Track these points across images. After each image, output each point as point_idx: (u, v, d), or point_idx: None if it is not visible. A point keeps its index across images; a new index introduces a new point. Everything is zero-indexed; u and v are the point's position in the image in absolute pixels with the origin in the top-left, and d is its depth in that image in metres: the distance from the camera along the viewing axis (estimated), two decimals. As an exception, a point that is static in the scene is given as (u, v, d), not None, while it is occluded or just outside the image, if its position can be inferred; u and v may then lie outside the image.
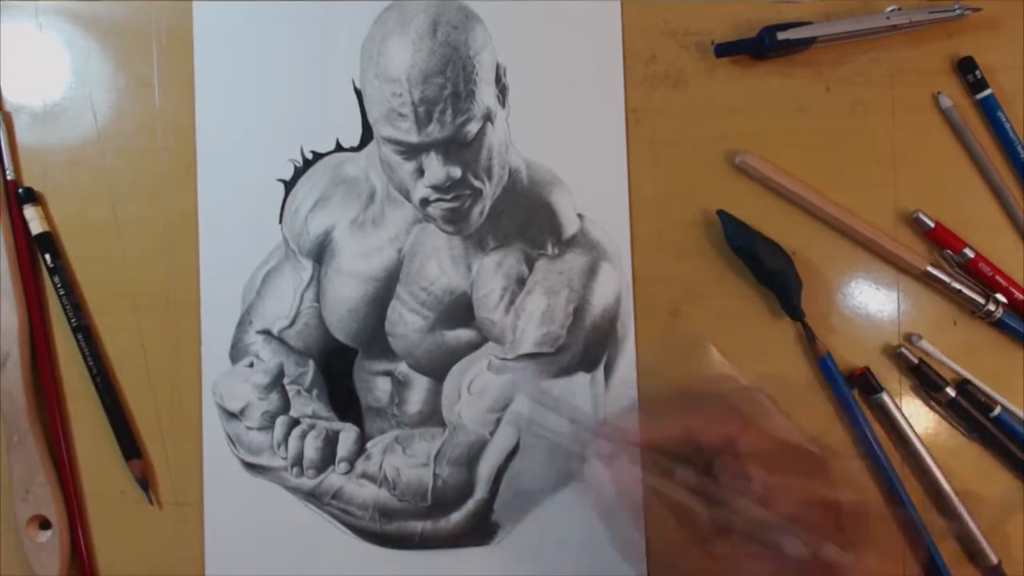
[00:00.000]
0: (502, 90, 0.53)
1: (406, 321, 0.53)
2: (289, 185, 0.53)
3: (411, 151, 0.52)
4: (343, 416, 0.53)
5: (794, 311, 0.51)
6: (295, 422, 0.53)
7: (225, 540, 0.52)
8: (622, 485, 0.46)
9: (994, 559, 0.51)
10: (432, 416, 0.53)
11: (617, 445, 0.46)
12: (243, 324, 0.53)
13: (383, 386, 0.53)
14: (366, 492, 0.52)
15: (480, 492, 0.52)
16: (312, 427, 0.52)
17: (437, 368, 0.53)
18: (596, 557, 0.52)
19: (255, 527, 0.52)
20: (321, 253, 0.53)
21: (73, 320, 0.52)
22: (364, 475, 0.52)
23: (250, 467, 0.53)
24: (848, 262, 0.53)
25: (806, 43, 0.51)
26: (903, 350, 0.52)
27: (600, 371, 0.52)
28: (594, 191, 0.53)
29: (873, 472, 0.52)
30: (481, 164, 0.52)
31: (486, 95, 0.52)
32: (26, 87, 0.54)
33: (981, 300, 0.52)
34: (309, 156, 0.53)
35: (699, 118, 0.53)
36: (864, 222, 0.52)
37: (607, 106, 0.53)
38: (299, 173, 0.53)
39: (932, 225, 0.52)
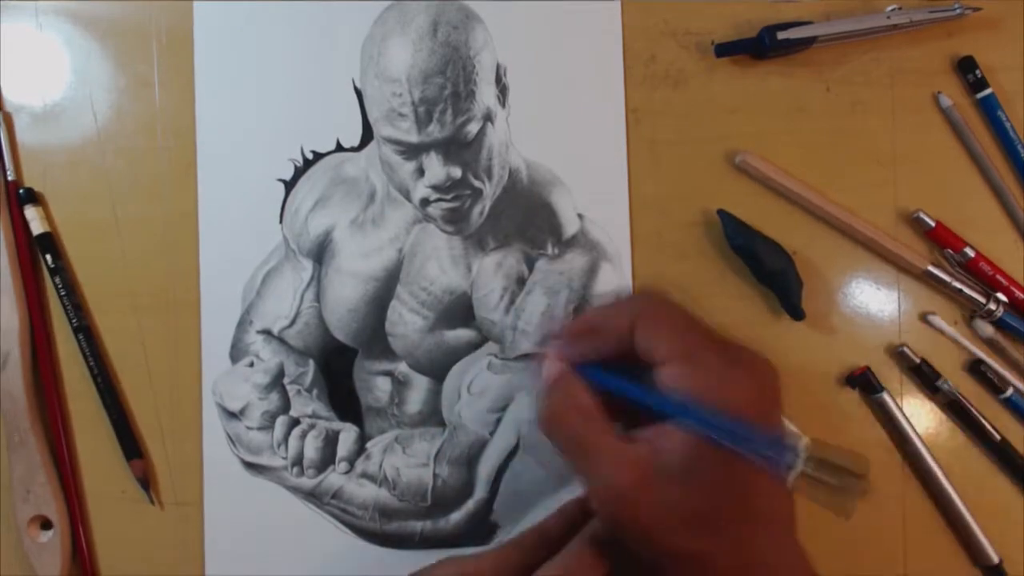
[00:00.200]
0: (502, 90, 0.53)
1: (406, 321, 0.53)
2: (289, 185, 0.53)
3: (411, 151, 0.52)
4: (343, 416, 0.53)
5: (795, 311, 0.51)
6: (295, 422, 0.53)
7: (225, 540, 0.52)
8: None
9: (994, 559, 0.51)
10: (432, 416, 0.53)
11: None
12: (243, 324, 0.53)
13: (383, 386, 0.53)
14: (366, 492, 0.52)
15: (480, 492, 0.52)
16: (312, 427, 0.52)
17: (437, 368, 0.53)
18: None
19: (255, 527, 0.52)
20: (321, 253, 0.53)
21: (74, 320, 0.52)
22: (364, 475, 0.52)
23: (250, 467, 0.53)
24: (848, 262, 0.53)
25: (806, 43, 0.51)
26: (904, 349, 0.52)
27: (600, 371, 0.52)
28: (594, 191, 0.53)
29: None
30: (481, 164, 0.52)
31: (486, 95, 0.52)
32: (26, 87, 0.54)
33: (982, 299, 0.51)
34: (309, 156, 0.53)
35: (699, 118, 0.53)
36: (864, 222, 0.52)
37: (607, 106, 0.53)
38: (299, 173, 0.53)
39: (932, 225, 0.52)
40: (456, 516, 0.52)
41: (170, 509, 0.53)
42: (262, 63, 0.53)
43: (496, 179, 0.53)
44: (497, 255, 0.53)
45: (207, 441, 0.53)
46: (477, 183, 0.52)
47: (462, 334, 0.53)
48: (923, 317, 0.53)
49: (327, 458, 0.52)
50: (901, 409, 0.52)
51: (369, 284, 0.53)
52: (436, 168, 0.52)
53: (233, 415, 0.53)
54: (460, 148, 0.52)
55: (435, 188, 0.52)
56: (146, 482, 0.52)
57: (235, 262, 0.53)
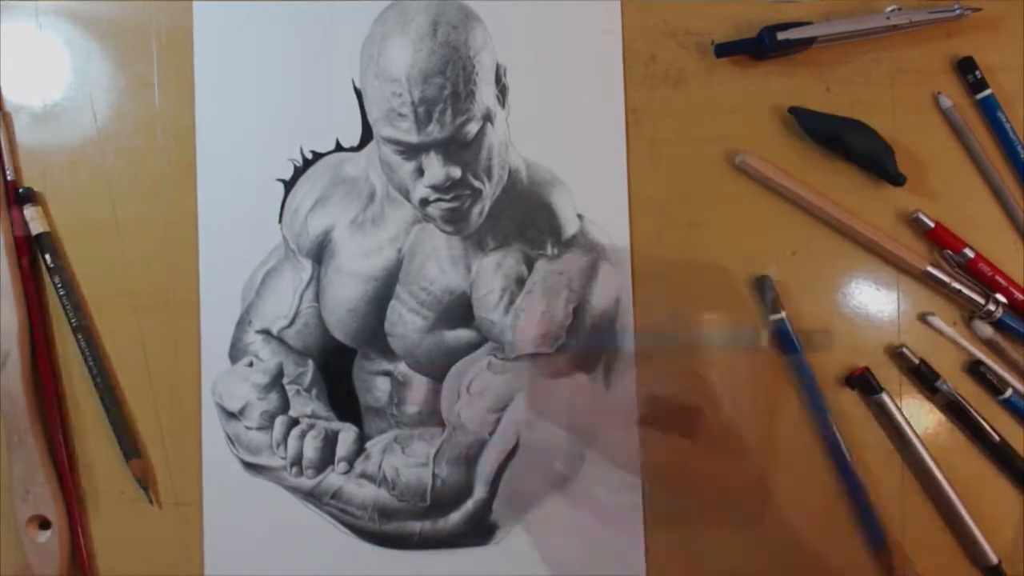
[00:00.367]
0: (502, 90, 0.53)
1: (405, 321, 0.53)
2: (289, 185, 0.53)
3: (411, 151, 0.52)
4: (342, 416, 0.53)
5: (895, 178, 0.51)
6: (294, 422, 0.53)
7: (225, 540, 0.52)
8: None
9: (994, 559, 0.51)
10: (431, 416, 0.53)
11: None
12: (242, 324, 0.53)
13: (382, 386, 0.53)
14: (365, 492, 0.52)
15: (479, 492, 0.52)
16: (311, 427, 0.52)
17: (436, 368, 0.53)
18: (595, 557, 0.52)
19: (254, 527, 0.52)
20: (321, 253, 0.53)
21: (73, 320, 0.52)
22: (363, 475, 0.52)
23: (249, 467, 0.53)
24: (848, 262, 0.53)
25: (806, 43, 0.51)
26: (903, 350, 0.52)
27: (599, 372, 0.52)
28: (594, 191, 0.53)
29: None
30: (481, 164, 0.52)
31: (486, 95, 0.52)
32: (26, 87, 0.54)
33: (981, 300, 0.51)
34: (309, 156, 0.53)
35: (699, 118, 0.53)
36: (864, 222, 0.52)
37: (607, 106, 0.53)
38: (299, 173, 0.53)
39: (932, 225, 0.52)
40: (455, 516, 0.52)
41: (170, 509, 0.53)
42: (262, 63, 0.53)
43: (496, 179, 0.53)
44: (497, 255, 0.53)
45: (206, 441, 0.53)
46: (477, 183, 0.52)
47: (462, 334, 0.53)
48: (922, 318, 0.53)
49: (326, 458, 0.52)
50: (900, 410, 0.52)
51: (369, 284, 0.53)
52: (436, 168, 0.52)
53: (232, 415, 0.53)
54: (460, 148, 0.52)
55: (435, 188, 0.52)
56: (145, 482, 0.52)
57: (235, 262, 0.53)
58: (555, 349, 0.52)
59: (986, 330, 0.52)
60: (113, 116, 0.54)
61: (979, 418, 0.52)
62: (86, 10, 0.54)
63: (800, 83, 0.53)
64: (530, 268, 0.53)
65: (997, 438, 0.52)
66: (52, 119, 0.54)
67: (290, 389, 0.53)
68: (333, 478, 0.52)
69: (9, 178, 0.53)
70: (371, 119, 0.53)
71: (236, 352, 0.53)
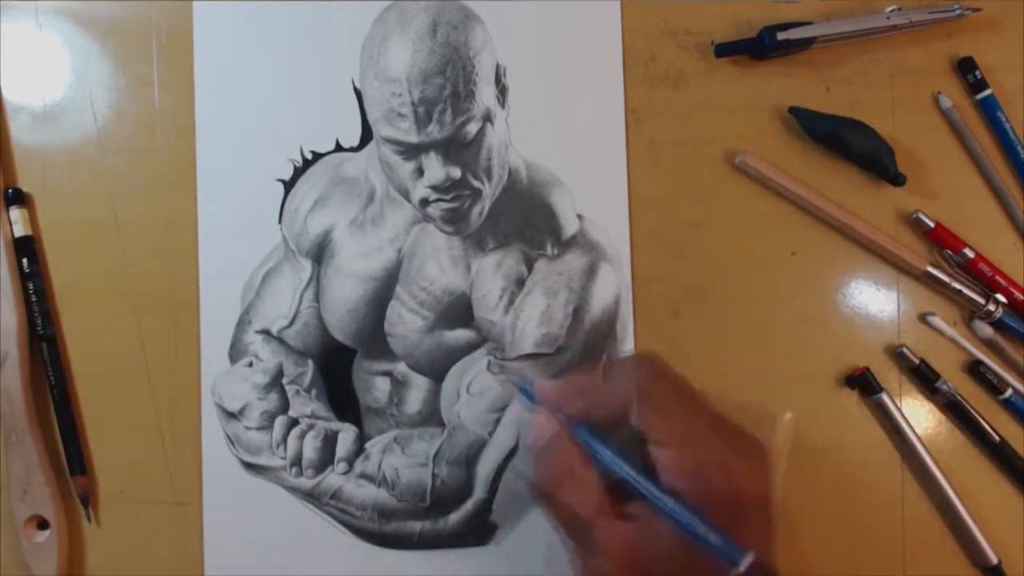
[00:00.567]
0: (502, 90, 0.53)
1: (405, 321, 0.53)
2: (289, 185, 0.53)
3: (411, 151, 0.52)
4: (342, 416, 0.53)
5: (895, 179, 0.51)
6: (294, 422, 0.52)
7: (224, 540, 0.52)
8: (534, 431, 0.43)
9: (994, 559, 0.51)
10: (431, 416, 0.53)
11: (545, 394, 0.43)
12: (242, 324, 0.53)
13: (382, 386, 0.53)
14: (365, 492, 0.52)
15: (479, 492, 0.52)
16: (311, 427, 0.52)
17: (436, 368, 0.53)
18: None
19: (254, 527, 0.52)
20: (320, 253, 0.53)
21: (40, 328, 0.52)
22: (363, 475, 0.52)
23: (249, 467, 0.53)
24: (848, 262, 0.53)
25: (806, 43, 0.51)
26: (903, 350, 0.52)
27: (599, 371, 0.52)
28: (594, 191, 0.53)
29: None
30: (481, 164, 0.52)
31: (486, 95, 0.52)
32: (26, 87, 0.54)
33: (981, 300, 0.51)
34: (309, 156, 0.53)
35: (699, 118, 0.53)
36: (864, 222, 0.52)
37: (607, 106, 0.53)
38: (299, 173, 0.53)
39: (932, 225, 0.52)
40: (455, 516, 0.52)
41: (169, 509, 0.53)
42: (262, 63, 0.53)
43: (495, 179, 0.53)
44: (496, 255, 0.53)
45: (206, 441, 0.53)
46: (476, 183, 0.52)
47: (461, 334, 0.53)
48: (922, 318, 0.53)
49: (326, 458, 0.52)
50: (900, 410, 0.52)
51: (368, 284, 0.53)
52: (435, 168, 0.52)
53: (232, 415, 0.53)
54: (459, 148, 0.52)
55: (434, 188, 0.52)
56: (87, 499, 0.52)
57: (234, 262, 0.53)
58: (554, 350, 0.52)
59: (986, 330, 0.52)
60: (113, 116, 0.54)
61: (979, 418, 0.52)
62: (86, 10, 0.54)
63: (800, 83, 0.53)
64: (530, 268, 0.53)
65: (997, 438, 0.52)
66: (52, 119, 0.54)
67: (290, 389, 0.53)
68: (333, 478, 0.52)
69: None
70: (371, 119, 0.53)
71: (236, 352, 0.53)
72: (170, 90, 0.54)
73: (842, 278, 0.53)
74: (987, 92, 0.52)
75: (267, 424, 0.52)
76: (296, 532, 0.52)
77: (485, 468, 0.52)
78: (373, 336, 0.53)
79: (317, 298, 0.53)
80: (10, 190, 0.53)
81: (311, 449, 0.52)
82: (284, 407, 0.53)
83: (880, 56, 0.53)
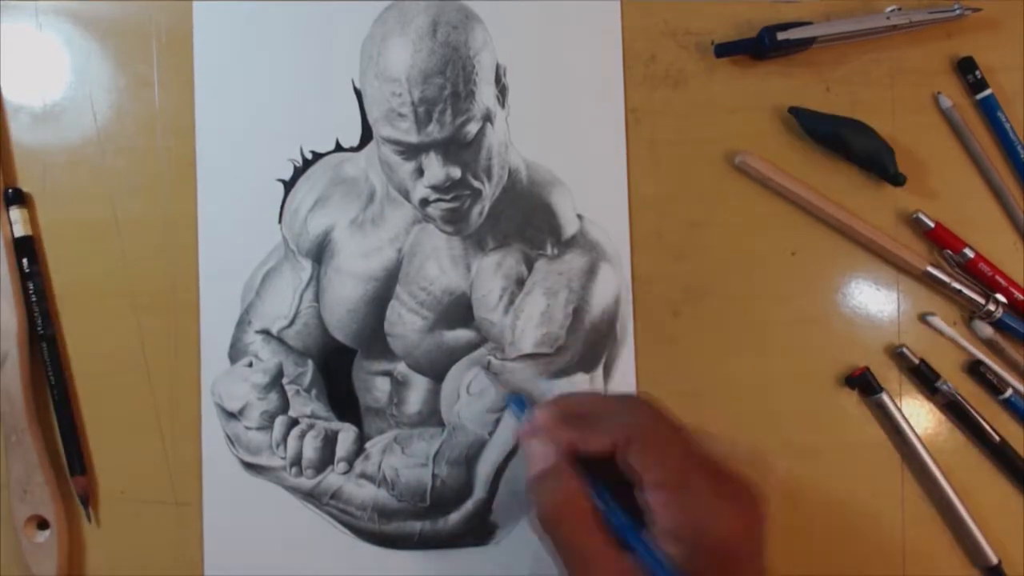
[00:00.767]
0: (502, 90, 0.53)
1: (405, 321, 0.53)
2: (289, 185, 0.53)
3: (411, 151, 0.52)
4: (342, 416, 0.53)
5: (895, 179, 0.51)
6: (294, 422, 0.52)
7: (224, 540, 0.52)
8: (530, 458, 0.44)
9: (994, 559, 0.51)
10: (431, 416, 0.53)
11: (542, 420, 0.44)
12: (242, 324, 0.53)
13: (382, 386, 0.53)
14: (365, 492, 0.52)
15: (479, 492, 0.52)
16: (311, 427, 0.52)
17: (436, 368, 0.53)
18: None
19: (254, 527, 0.52)
20: (320, 253, 0.53)
21: (40, 328, 0.52)
22: (363, 475, 0.52)
23: (249, 467, 0.53)
24: (848, 262, 0.53)
25: (806, 43, 0.51)
26: (903, 350, 0.52)
27: (599, 372, 0.52)
28: (594, 191, 0.53)
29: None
30: (481, 164, 0.52)
31: (486, 95, 0.52)
32: (26, 87, 0.54)
33: (981, 300, 0.51)
34: (309, 156, 0.53)
35: (699, 118, 0.53)
36: (864, 222, 0.52)
37: (607, 106, 0.53)
38: (299, 173, 0.53)
39: (932, 225, 0.52)
40: (455, 516, 0.52)
41: (169, 509, 0.53)
42: (262, 63, 0.53)
43: (495, 179, 0.53)
44: (496, 255, 0.53)
45: (206, 441, 0.53)
46: (476, 183, 0.52)
47: (461, 334, 0.53)
48: (922, 318, 0.53)
49: (326, 458, 0.52)
50: (900, 410, 0.52)
51: (368, 284, 0.53)
52: (435, 168, 0.52)
53: (232, 415, 0.53)
54: (459, 148, 0.52)
55: (434, 188, 0.52)
56: (87, 499, 0.52)
57: (234, 262, 0.53)
58: (554, 350, 0.52)
59: (986, 330, 0.52)
60: (113, 116, 0.54)
61: (979, 418, 0.52)
62: (86, 10, 0.54)
63: (800, 83, 0.53)
64: (530, 268, 0.53)
65: (997, 438, 0.52)
66: (52, 119, 0.54)
67: (290, 389, 0.53)
68: (333, 478, 0.52)
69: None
70: (371, 119, 0.53)
71: (236, 352, 0.53)
72: (170, 90, 0.54)
73: (842, 278, 0.53)
74: (987, 92, 0.52)
75: (267, 424, 0.52)
76: (296, 532, 0.52)
77: (485, 468, 0.52)
78: (373, 336, 0.53)
79: (317, 298, 0.53)
80: (10, 190, 0.53)
81: (311, 449, 0.52)
82: (284, 407, 0.53)
83: (880, 56, 0.53)
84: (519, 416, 0.48)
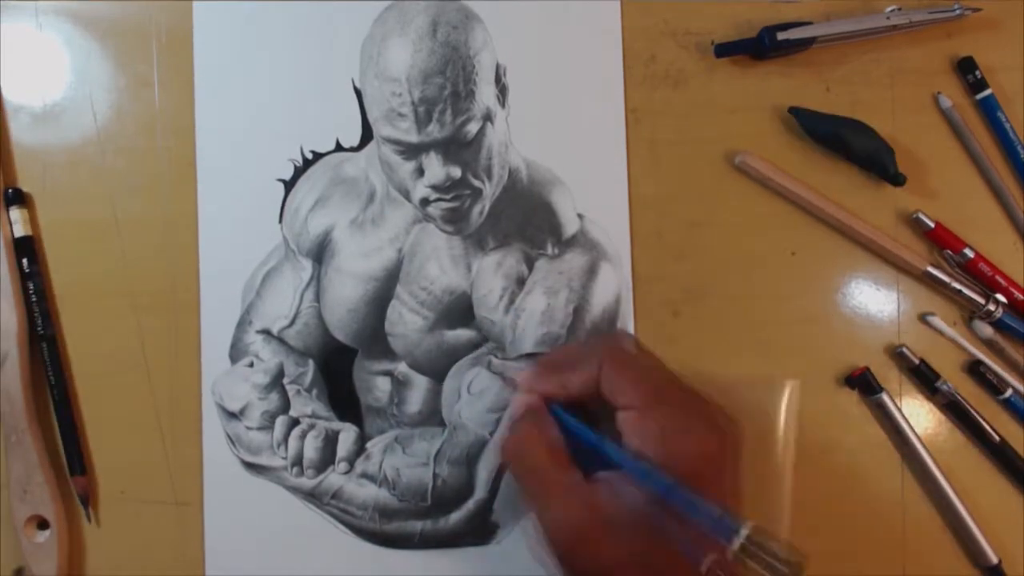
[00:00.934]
0: (502, 90, 0.53)
1: (406, 321, 0.53)
2: (289, 185, 0.53)
3: (411, 151, 0.52)
4: (343, 416, 0.53)
5: (895, 179, 0.51)
6: (295, 422, 0.52)
7: (225, 540, 0.52)
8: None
9: (994, 559, 0.51)
10: (432, 416, 0.53)
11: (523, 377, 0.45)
12: (243, 324, 0.53)
13: (383, 386, 0.53)
14: (366, 492, 0.52)
15: (480, 492, 0.52)
16: (312, 427, 0.52)
17: (437, 368, 0.53)
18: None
19: (255, 527, 0.52)
20: (321, 253, 0.53)
21: (40, 328, 0.52)
22: (364, 475, 0.52)
23: (250, 467, 0.53)
24: (848, 262, 0.53)
25: (806, 43, 0.51)
26: (903, 350, 0.52)
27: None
28: (594, 191, 0.53)
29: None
30: (481, 164, 0.52)
31: (486, 95, 0.52)
32: (26, 87, 0.54)
33: (981, 300, 0.52)
34: (309, 156, 0.53)
35: (699, 118, 0.53)
36: (864, 222, 0.52)
37: (607, 106, 0.53)
38: (299, 173, 0.53)
39: (932, 225, 0.52)
40: (456, 516, 0.52)
41: (169, 509, 0.53)
42: (262, 63, 0.53)
43: (496, 179, 0.53)
44: (497, 255, 0.53)
45: (207, 441, 0.53)
46: (477, 183, 0.52)
47: (462, 334, 0.53)
48: (922, 318, 0.53)
49: (327, 458, 0.52)
50: (900, 410, 0.52)
51: (369, 284, 0.53)
52: (436, 168, 0.52)
53: (233, 415, 0.52)
54: (460, 148, 0.52)
55: (435, 188, 0.52)
56: (87, 499, 0.52)
57: (235, 262, 0.53)
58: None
59: (986, 330, 0.52)
60: (113, 116, 0.54)
61: (979, 418, 0.52)
62: (86, 10, 0.54)
63: (800, 83, 0.53)
64: (530, 268, 0.53)
65: (997, 438, 0.52)
66: (52, 119, 0.54)
67: (290, 389, 0.53)
68: (334, 478, 0.52)
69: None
70: (371, 119, 0.53)
71: (236, 352, 0.53)
72: (170, 90, 0.54)
73: (842, 278, 0.53)
74: (987, 92, 0.52)
75: (268, 424, 0.52)
76: (297, 532, 0.52)
77: (486, 468, 0.52)
78: (374, 336, 0.53)
79: (318, 298, 0.53)
80: (10, 190, 0.53)
81: (312, 449, 0.52)
82: (285, 407, 0.53)
83: (880, 56, 0.53)
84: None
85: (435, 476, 0.52)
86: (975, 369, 0.52)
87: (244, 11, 0.53)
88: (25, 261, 0.52)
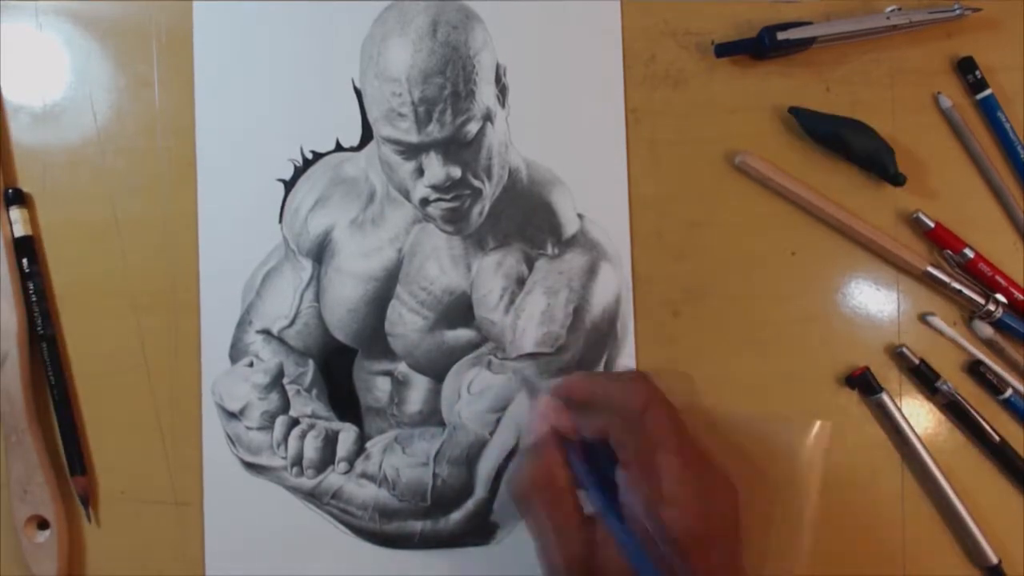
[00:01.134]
0: (502, 90, 0.53)
1: (406, 321, 0.53)
2: (289, 185, 0.53)
3: (411, 151, 0.52)
4: (343, 416, 0.53)
5: (895, 179, 0.51)
6: (295, 422, 0.52)
7: (225, 540, 0.52)
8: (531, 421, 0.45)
9: (994, 559, 0.51)
10: (432, 416, 0.53)
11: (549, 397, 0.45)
12: (243, 324, 0.53)
13: (383, 386, 0.53)
14: (366, 492, 0.52)
15: (480, 492, 0.52)
16: (312, 427, 0.52)
17: (437, 368, 0.53)
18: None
19: (255, 527, 0.52)
20: (321, 253, 0.53)
21: (40, 328, 0.52)
22: (364, 475, 0.52)
23: (250, 467, 0.53)
24: (848, 262, 0.53)
25: (806, 43, 0.51)
26: (903, 350, 0.52)
27: (599, 371, 0.52)
28: (594, 191, 0.53)
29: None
30: (481, 164, 0.52)
31: (486, 95, 0.52)
32: (26, 87, 0.54)
33: (981, 300, 0.51)
34: (309, 156, 0.53)
35: (699, 118, 0.53)
36: (864, 222, 0.52)
37: (607, 106, 0.53)
38: (299, 173, 0.53)
39: (932, 225, 0.52)
40: (456, 516, 0.52)
41: (169, 509, 0.53)
42: (262, 63, 0.53)
43: (496, 179, 0.53)
44: (497, 255, 0.53)
45: (207, 441, 0.53)
46: (477, 183, 0.52)
47: (462, 334, 0.53)
48: (922, 318, 0.53)
49: (327, 458, 0.52)
50: (900, 410, 0.52)
51: (369, 284, 0.53)
52: (436, 168, 0.52)
53: (233, 415, 0.52)
54: (460, 148, 0.52)
55: (435, 188, 0.52)
56: (87, 499, 0.52)
57: (235, 262, 0.53)
58: (555, 349, 0.52)
59: (986, 330, 0.52)
60: (113, 116, 0.54)
61: (979, 418, 0.52)
62: (86, 10, 0.54)
63: (800, 83, 0.53)
64: (530, 268, 0.53)
65: (997, 438, 0.52)
66: (52, 119, 0.54)
67: (290, 389, 0.53)
68: (334, 478, 0.52)
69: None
70: (371, 119, 0.53)
71: (236, 352, 0.53)
72: (170, 90, 0.54)
73: (842, 278, 0.53)
74: (987, 92, 0.52)
75: (268, 424, 0.52)
76: (297, 532, 0.52)
77: (486, 468, 0.52)
78: (374, 336, 0.53)
79: (318, 298, 0.53)
80: (10, 190, 0.53)
81: (312, 449, 0.52)
82: (285, 407, 0.53)
83: (880, 56, 0.53)
84: (531, 400, 0.48)
85: (435, 476, 0.52)
86: (975, 369, 0.52)
87: (244, 11, 0.54)
88: (25, 261, 0.52)
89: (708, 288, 0.53)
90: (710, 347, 0.53)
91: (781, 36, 0.51)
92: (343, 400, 0.53)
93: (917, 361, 0.52)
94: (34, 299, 0.52)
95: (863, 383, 0.52)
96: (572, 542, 0.40)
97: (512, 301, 0.52)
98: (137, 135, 0.53)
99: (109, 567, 0.53)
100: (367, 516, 0.52)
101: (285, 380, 0.53)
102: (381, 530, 0.52)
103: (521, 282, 0.52)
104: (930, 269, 0.52)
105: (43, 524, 0.52)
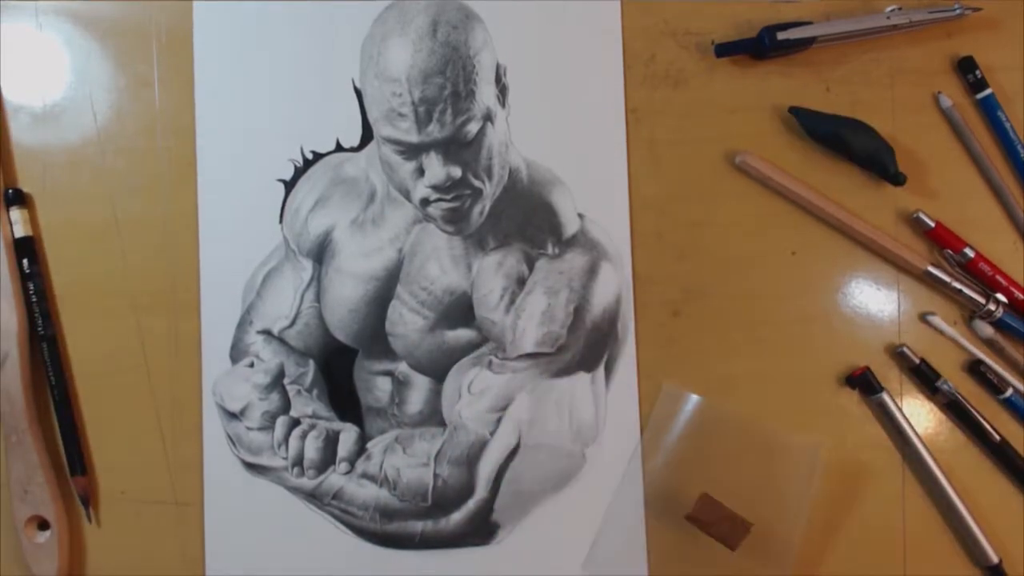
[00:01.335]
0: (502, 90, 0.53)
1: (406, 321, 0.53)
2: (289, 185, 0.53)
3: (411, 151, 0.52)
4: (343, 416, 0.53)
5: (895, 178, 0.51)
6: (295, 422, 0.52)
7: (225, 540, 0.52)
8: None
9: (994, 559, 0.51)
10: (432, 416, 0.53)
11: None
12: (243, 324, 0.53)
13: (383, 386, 0.53)
14: (366, 492, 0.52)
15: (480, 492, 0.52)
16: (312, 427, 0.52)
17: (437, 368, 0.53)
18: (596, 557, 0.52)
19: (255, 527, 0.52)
20: (321, 253, 0.53)
21: (40, 328, 0.52)
22: (364, 475, 0.52)
23: (250, 467, 0.53)
24: (848, 262, 0.53)
25: (806, 43, 0.51)
26: (904, 350, 0.52)
27: (600, 371, 0.52)
28: (594, 191, 0.53)
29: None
30: (481, 164, 0.52)
31: (486, 95, 0.52)
32: (26, 87, 0.54)
33: (981, 300, 0.52)
34: (309, 156, 0.53)
35: (699, 118, 0.53)
36: (864, 222, 0.52)
37: (607, 106, 0.53)
38: (299, 173, 0.53)
39: (932, 225, 0.52)
40: (457, 516, 0.52)
41: (169, 509, 0.53)
42: (262, 63, 0.53)
43: (496, 179, 0.53)
44: (497, 255, 0.53)
45: (207, 441, 0.53)
46: (477, 183, 0.52)
47: (462, 334, 0.53)
48: (923, 317, 0.53)
49: (327, 458, 0.52)
50: (901, 409, 0.52)
51: (369, 284, 0.53)
52: (436, 168, 0.52)
53: (233, 415, 0.52)
54: (460, 148, 0.52)
55: (435, 188, 0.52)
56: (87, 499, 0.52)
57: (235, 262, 0.53)
58: (555, 349, 0.52)
59: (986, 330, 0.52)
60: (113, 116, 0.54)
61: (979, 418, 0.52)
62: (86, 10, 0.54)
63: (800, 83, 0.53)
64: (531, 267, 0.53)
65: (997, 438, 0.52)
66: (52, 119, 0.54)
67: (291, 389, 0.53)
68: (334, 478, 0.52)
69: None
70: (371, 119, 0.53)
71: (237, 352, 0.53)
72: (170, 90, 0.54)
73: (842, 278, 0.53)
74: (987, 92, 0.52)
75: (268, 424, 0.52)
76: (297, 532, 0.52)
77: (486, 468, 0.52)
78: (374, 336, 0.53)
79: (318, 298, 0.53)
80: (10, 190, 0.53)
81: (312, 449, 0.52)
82: (285, 407, 0.53)
83: (880, 56, 0.53)
84: None
85: (435, 476, 0.52)
86: (975, 369, 0.52)
87: (244, 11, 0.53)
88: (25, 261, 0.52)
89: (708, 288, 0.53)
90: (710, 347, 0.53)
91: (781, 36, 0.51)
92: (344, 400, 0.53)
93: (917, 361, 0.52)
94: (34, 299, 0.52)
95: (863, 383, 0.52)
96: None
97: (512, 301, 0.52)
98: (137, 135, 0.53)
99: (109, 567, 0.53)
100: (368, 516, 0.52)
101: (286, 380, 0.53)
102: (382, 530, 0.52)
103: (521, 282, 0.52)
104: (930, 269, 0.52)
105: (43, 524, 0.52)
